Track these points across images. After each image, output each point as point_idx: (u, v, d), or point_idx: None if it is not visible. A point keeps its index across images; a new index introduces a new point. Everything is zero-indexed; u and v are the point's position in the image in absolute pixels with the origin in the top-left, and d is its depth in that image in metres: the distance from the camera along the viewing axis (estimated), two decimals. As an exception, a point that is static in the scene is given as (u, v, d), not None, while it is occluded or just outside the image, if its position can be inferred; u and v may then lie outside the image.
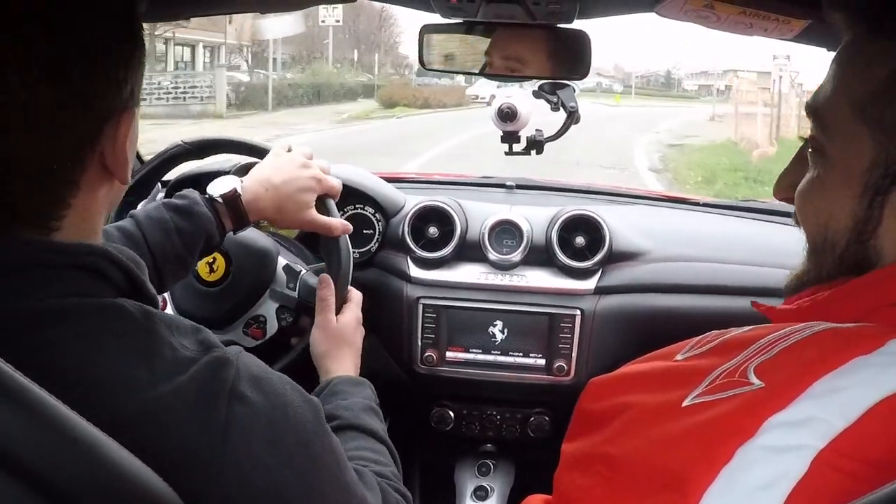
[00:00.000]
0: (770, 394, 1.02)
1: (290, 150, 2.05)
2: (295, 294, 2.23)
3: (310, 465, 1.20)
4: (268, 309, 2.24)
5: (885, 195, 1.14)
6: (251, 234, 2.23)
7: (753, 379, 1.05)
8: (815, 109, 1.23)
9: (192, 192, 1.92)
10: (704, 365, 1.15)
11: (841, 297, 1.18)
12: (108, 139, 1.13)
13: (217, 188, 1.93)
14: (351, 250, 2.14)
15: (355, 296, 2.11)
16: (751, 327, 1.21)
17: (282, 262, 2.26)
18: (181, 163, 2.31)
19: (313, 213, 2.02)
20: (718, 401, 1.07)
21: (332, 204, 2.09)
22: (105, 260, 1.13)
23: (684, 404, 1.11)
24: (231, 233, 1.97)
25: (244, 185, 1.95)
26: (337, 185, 2.09)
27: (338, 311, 2.02)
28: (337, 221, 2.06)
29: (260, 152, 2.13)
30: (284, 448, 1.16)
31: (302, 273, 2.26)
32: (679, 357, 1.27)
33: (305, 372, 2.15)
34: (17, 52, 1.01)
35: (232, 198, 1.92)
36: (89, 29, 1.07)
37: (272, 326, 2.24)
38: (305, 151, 2.06)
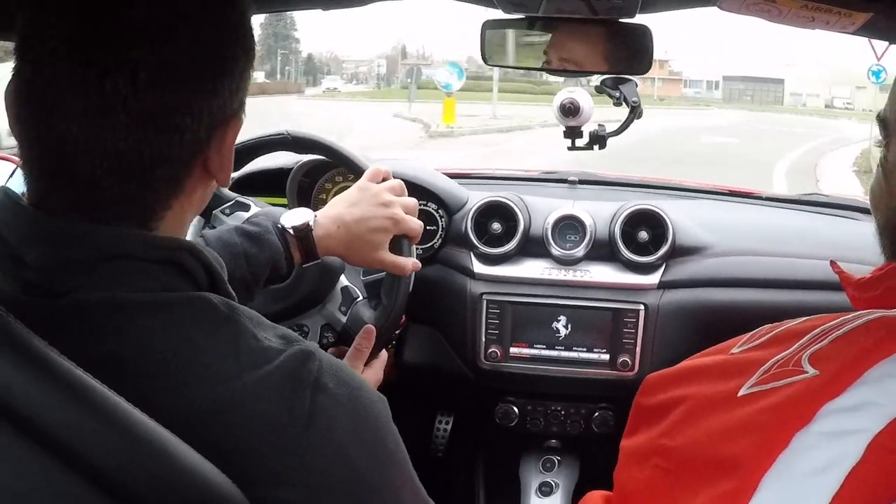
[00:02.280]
0: (825, 381, 1.03)
1: (382, 181, 2.03)
2: (344, 319, 2.22)
3: (387, 458, 1.22)
4: (314, 322, 2.23)
5: None
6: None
7: (808, 367, 1.06)
8: (882, 119, 1.30)
9: (265, 220, 1.92)
10: (759, 356, 1.16)
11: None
12: (215, 144, 1.16)
13: (290, 219, 1.92)
14: (408, 293, 2.15)
15: (382, 357, 2.09)
16: (804, 318, 1.22)
17: (343, 282, 2.26)
18: (277, 150, 2.33)
19: (384, 254, 1.99)
20: (774, 389, 1.08)
21: (405, 244, 2.06)
22: (191, 256, 1.15)
23: (740, 394, 1.12)
24: (299, 266, 1.97)
25: (317, 220, 1.94)
26: (416, 226, 2.04)
27: (368, 360, 2.01)
28: (408, 261, 2.03)
29: (356, 170, 2.14)
30: (365, 439, 1.18)
31: (357, 301, 2.25)
32: (734, 350, 1.28)
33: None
34: (141, 56, 1.03)
35: (304, 231, 1.91)
36: (207, 35, 1.10)
37: (314, 338, 2.23)
38: (395, 185, 2.03)
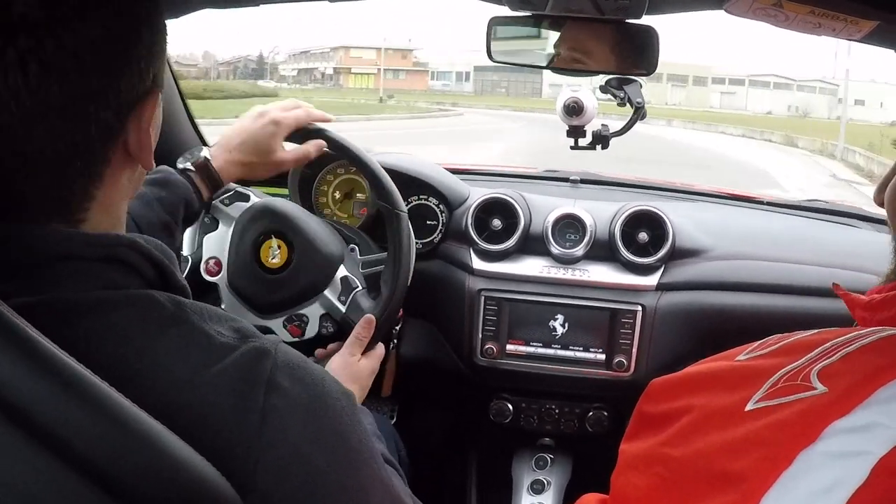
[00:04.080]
0: (833, 399, 1.02)
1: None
2: (343, 308, 2.24)
3: (350, 457, 1.20)
4: (313, 312, 2.25)
5: None
6: (322, 235, 2.25)
7: (817, 384, 1.05)
8: None
9: (164, 166, 2.04)
10: (767, 366, 1.16)
11: None
12: (132, 126, 1.14)
13: (187, 158, 2.10)
14: (407, 284, 2.23)
15: (379, 349, 2.14)
16: (815, 331, 1.21)
17: (342, 272, 2.27)
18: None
19: (280, 155, 2.18)
20: (781, 405, 1.07)
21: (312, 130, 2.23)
22: (135, 251, 1.13)
23: (747, 408, 1.11)
24: (209, 199, 2.14)
25: (212, 153, 2.11)
26: (299, 114, 2.20)
27: (366, 350, 2.08)
28: (303, 147, 2.22)
29: (359, 163, 2.30)
30: (324, 439, 1.16)
31: (357, 291, 2.26)
32: (741, 357, 1.27)
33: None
34: (35, 45, 1.00)
35: (202, 165, 2.08)
36: (108, 18, 1.07)
37: (312, 330, 2.25)
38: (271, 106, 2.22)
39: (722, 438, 1.12)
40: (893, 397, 0.98)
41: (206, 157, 2.09)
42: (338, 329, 2.24)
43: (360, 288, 2.27)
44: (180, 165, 2.07)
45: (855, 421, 0.99)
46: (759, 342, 1.29)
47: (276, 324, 2.23)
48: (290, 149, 2.21)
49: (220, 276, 2.25)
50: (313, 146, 2.21)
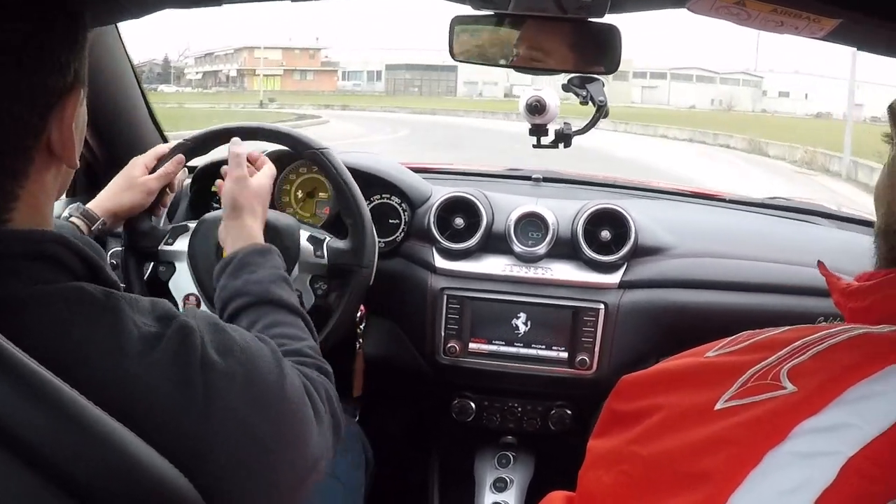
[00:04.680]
0: (802, 399, 1.02)
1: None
2: (324, 260, 2.26)
3: (285, 410, 1.25)
4: (301, 282, 2.26)
5: None
6: (272, 216, 2.23)
7: (786, 383, 1.05)
8: (892, 108, 1.28)
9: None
10: (738, 363, 1.15)
11: (886, 286, 1.18)
12: (54, 124, 1.13)
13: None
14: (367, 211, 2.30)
15: (270, 165, 2.18)
16: (785, 328, 1.20)
17: (304, 234, 2.28)
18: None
19: (142, 178, 2.23)
20: (751, 404, 1.07)
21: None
22: (62, 247, 1.13)
23: (717, 407, 1.11)
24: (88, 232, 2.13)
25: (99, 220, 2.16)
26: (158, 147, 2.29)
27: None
28: (163, 168, 2.26)
29: (319, 161, 2.32)
30: (262, 402, 1.20)
31: (327, 240, 2.29)
32: (711, 354, 1.27)
33: (346, 338, 2.19)
34: None
35: (76, 208, 2.16)
36: (24, 16, 1.06)
37: (309, 298, 2.28)
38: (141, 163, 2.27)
39: (690, 437, 1.12)
40: (863, 397, 0.99)
41: (79, 203, 2.17)
42: (329, 281, 2.29)
43: (329, 237, 2.31)
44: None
45: (824, 421, 0.99)
46: (730, 339, 1.29)
47: None
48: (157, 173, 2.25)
49: (203, 305, 2.25)
50: (172, 164, 2.23)
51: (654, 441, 1.19)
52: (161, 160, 2.24)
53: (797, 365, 1.07)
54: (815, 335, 1.11)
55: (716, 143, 39.76)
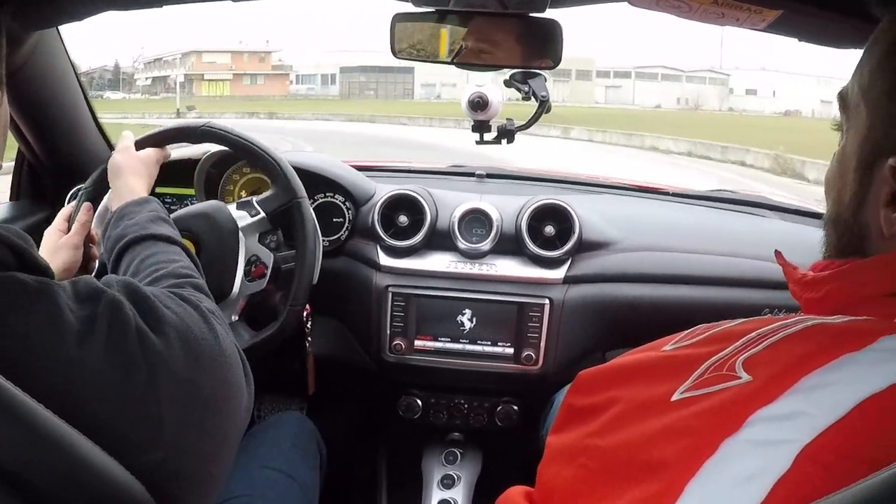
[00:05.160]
0: (757, 388, 1.02)
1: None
2: (262, 214, 2.27)
3: (223, 364, 1.27)
4: (252, 246, 2.27)
5: (872, 168, 1.16)
6: (199, 204, 2.29)
7: (741, 373, 1.06)
8: (842, 95, 1.27)
9: None
10: (694, 356, 1.16)
11: (840, 277, 1.19)
12: None
13: None
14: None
15: (161, 150, 2.22)
16: (741, 320, 1.21)
17: (231, 207, 2.29)
18: (184, 141, 2.38)
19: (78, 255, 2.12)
20: (707, 395, 1.07)
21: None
22: None
23: (673, 398, 1.11)
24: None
25: None
26: (78, 231, 2.14)
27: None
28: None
29: (264, 163, 2.32)
30: (204, 360, 1.22)
31: (253, 199, 2.30)
32: (668, 348, 1.27)
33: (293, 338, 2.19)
34: None
35: None
36: None
37: (267, 257, 2.29)
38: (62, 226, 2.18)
39: (647, 428, 1.12)
40: (817, 386, 0.99)
41: None
42: (277, 231, 2.38)
43: (255, 197, 2.33)
44: None
45: (779, 409, 0.99)
46: (686, 332, 1.29)
47: (243, 285, 2.27)
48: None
49: None
50: (82, 214, 2.15)
51: (612, 433, 1.19)
52: (71, 217, 2.19)
53: (752, 355, 1.07)
54: (771, 326, 1.11)
55: (721, 160, 30.11)
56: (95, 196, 2.23)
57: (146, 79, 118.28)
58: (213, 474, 1.22)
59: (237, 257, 2.22)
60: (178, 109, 59.57)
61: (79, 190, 2.32)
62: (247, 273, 2.25)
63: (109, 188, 2.11)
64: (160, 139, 2.24)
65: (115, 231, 1.79)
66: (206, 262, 2.09)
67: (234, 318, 2.23)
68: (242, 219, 2.25)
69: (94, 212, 2.16)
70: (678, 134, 37.22)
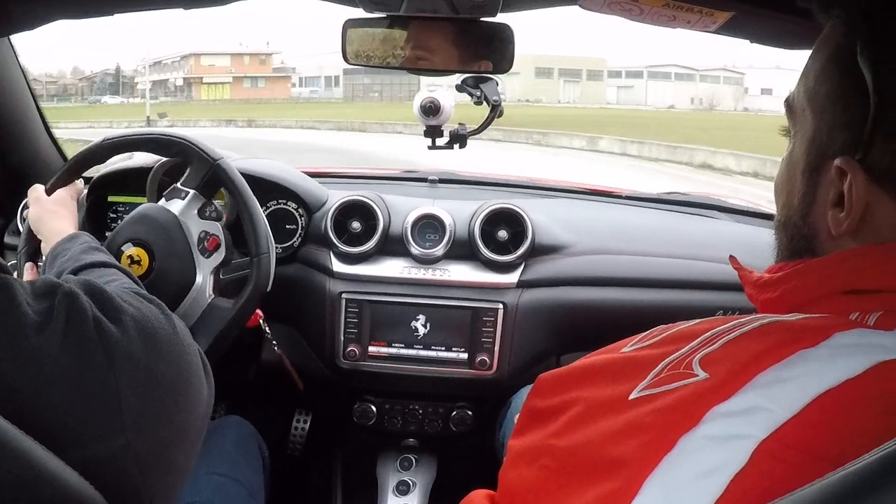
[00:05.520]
0: (714, 384, 1.03)
1: None
2: (191, 191, 2.28)
3: (181, 350, 1.28)
4: (195, 225, 2.27)
5: (819, 171, 1.18)
6: (129, 214, 2.27)
7: (698, 371, 1.06)
8: (788, 101, 1.29)
9: None
10: (652, 356, 1.16)
11: (794, 276, 1.20)
12: None
13: None
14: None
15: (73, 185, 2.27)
16: (697, 321, 1.22)
17: (161, 200, 2.30)
18: (142, 150, 2.39)
19: None
20: (663, 392, 1.08)
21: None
22: None
23: (631, 397, 1.12)
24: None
25: None
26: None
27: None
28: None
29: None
30: (162, 346, 1.22)
31: (178, 184, 2.31)
32: (626, 349, 1.28)
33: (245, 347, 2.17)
34: None
35: None
36: None
37: (214, 227, 2.30)
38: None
39: (606, 427, 1.12)
40: (773, 382, 1.00)
41: None
42: (212, 203, 2.33)
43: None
44: None
45: (736, 405, 0.99)
46: (644, 334, 1.30)
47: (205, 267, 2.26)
48: None
49: None
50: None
51: (571, 433, 1.20)
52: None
53: (709, 353, 1.08)
54: (727, 325, 1.12)
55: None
56: (32, 253, 2.22)
57: (148, 82, 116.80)
58: (178, 463, 1.23)
59: (188, 242, 2.21)
60: (147, 117, 56.59)
61: (26, 206, 2.31)
62: (203, 251, 2.24)
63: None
64: (66, 177, 2.25)
65: (51, 271, 1.82)
66: (162, 259, 2.12)
67: (211, 296, 2.23)
68: (175, 205, 2.24)
69: (38, 268, 2.16)
70: (730, 145, 29.44)
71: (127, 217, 2.23)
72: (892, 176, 1.09)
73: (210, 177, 2.25)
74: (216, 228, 2.27)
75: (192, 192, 2.25)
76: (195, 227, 2.23)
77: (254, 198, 2.25)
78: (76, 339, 1.10)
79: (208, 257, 2.24)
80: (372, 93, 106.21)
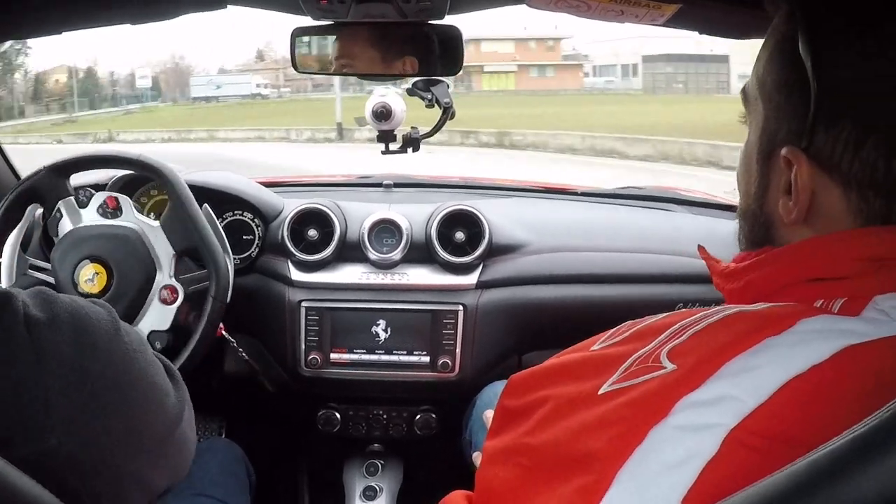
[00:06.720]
0: (682, 375, 1.03)
1: None
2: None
3: (123, 350, 1.25)
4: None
5: (770, 159, 1.19)
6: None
7: (666, 363, 1.07)
8: (744, 90, 1.30)
9: None
10: (620, 353, 1.17)
11: (756, 267, 1.21)
12: None
13: None
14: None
15: None
16: (664, 315, 1.22)
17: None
18: (103, 168, 2.45)
19: None
20: (632, 386, 1.08)
21: None
22: None
23: (600, 392, 1.12)
24: None
25: None
26: None
27: None
28: None
29: (169, 184, 2.31)
30: (99, 347, 1.20)
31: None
32: (596, 347, 1.29)
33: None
34: None
35: None
36: None
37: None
38: None
39: (577, 422, 1.12)
40: (741, 370, 1.00)
41: None
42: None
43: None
44: None
45: (705, 395, 1.00)
46: (613, 330, 1.30)
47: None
48: None
49: None
50: None
51: (542, 431, 1.20)
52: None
53: (676, 346, 1.09)
54: (693, 317, 1.13)
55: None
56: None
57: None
58: (133, 474, 1.23)
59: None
60: (55, 135, 43.11)
61: None
62: (104, 214, 2.33)
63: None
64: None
65: None
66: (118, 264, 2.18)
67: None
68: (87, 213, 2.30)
69: None
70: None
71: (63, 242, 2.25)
72: (835, 163, 1.11)
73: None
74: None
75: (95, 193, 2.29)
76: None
77: (187, 190, 2.30)
78: (6, 340, 1.10)
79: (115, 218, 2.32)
80: (676, 83, 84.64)
